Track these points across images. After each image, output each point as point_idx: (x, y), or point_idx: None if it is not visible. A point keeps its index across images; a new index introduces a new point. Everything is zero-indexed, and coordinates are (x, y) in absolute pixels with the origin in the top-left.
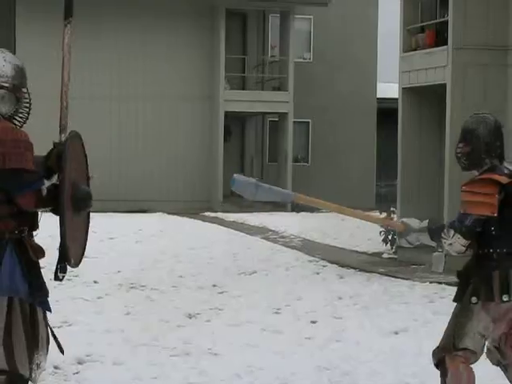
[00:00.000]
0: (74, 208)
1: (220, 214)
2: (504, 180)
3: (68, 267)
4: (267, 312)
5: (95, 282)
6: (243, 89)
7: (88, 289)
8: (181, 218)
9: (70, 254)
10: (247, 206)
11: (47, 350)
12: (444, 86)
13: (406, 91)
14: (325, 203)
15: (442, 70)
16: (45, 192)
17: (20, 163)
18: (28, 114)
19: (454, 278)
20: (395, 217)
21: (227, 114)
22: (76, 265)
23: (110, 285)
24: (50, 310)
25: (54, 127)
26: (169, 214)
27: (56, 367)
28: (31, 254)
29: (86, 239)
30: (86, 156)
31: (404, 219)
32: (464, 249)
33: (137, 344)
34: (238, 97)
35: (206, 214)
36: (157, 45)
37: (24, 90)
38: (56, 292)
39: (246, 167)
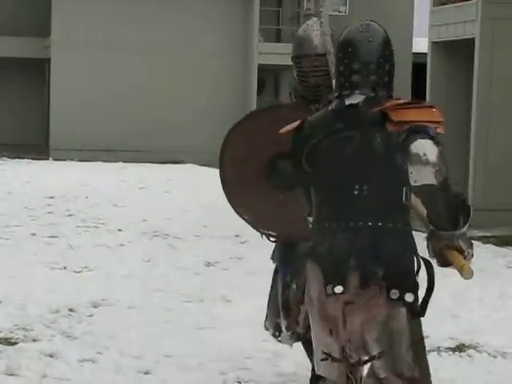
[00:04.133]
0: None
1: None
2: None
3: None
4: None
5: (119, 229)
6: (278, 41)
7: (112, 236)
8: (211, 170)
9: None
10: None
11: None
12: (473, 40)
13: (436, 45)
14: None
15: (472, 24)
16: None
17: None
18: None
19: (476, 233)
20: None
21: (261, 67)
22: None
23: (134, 233)
24: None
25: None
26: (200, 165)
27: (71, 310)
28: None
29: None
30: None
31: None
32: None
33: (153, 290)
34: (272, 49)
35: None
36: None
37: None
38: (80, 239)
39: None
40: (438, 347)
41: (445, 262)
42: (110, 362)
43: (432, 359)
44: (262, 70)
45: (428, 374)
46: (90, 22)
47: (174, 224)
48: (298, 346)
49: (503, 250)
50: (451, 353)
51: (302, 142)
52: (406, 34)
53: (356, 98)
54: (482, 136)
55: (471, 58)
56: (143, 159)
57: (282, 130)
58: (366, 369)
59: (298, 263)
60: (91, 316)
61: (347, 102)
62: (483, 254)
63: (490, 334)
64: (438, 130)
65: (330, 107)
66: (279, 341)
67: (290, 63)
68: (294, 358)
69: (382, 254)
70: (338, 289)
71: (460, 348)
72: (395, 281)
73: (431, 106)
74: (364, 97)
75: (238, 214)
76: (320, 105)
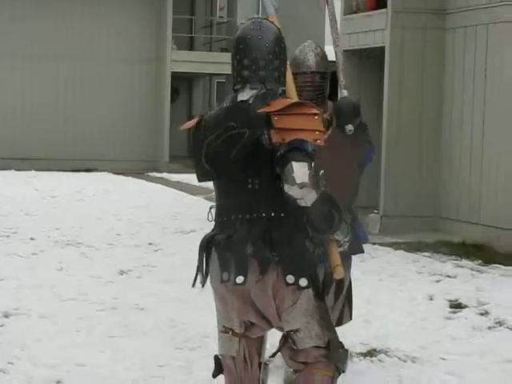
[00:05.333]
0: None
1: (165, 175)
2: None
3: None
4: None
5: (32, 238)
6: (191, 49)
7: (24, 245)
8: (125, 178)
9: None
10: (193, 167)
11: None
12: (383, 48)
13: (347, 54)
14: None
15: (381, 33)
16: None
17: None
18: None
19: (388, 239)
20: None
21: (174, 75)
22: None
23: (47, 241)
24: None
25: None
26: (114, 173)
27: None
28: None
29: None
30: None
31: None
32: None
33: (66, 299)
34: (185, 57)
35: (152, 174)
36: (101, 3)
37: None
38: None
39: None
40: (350, 353)
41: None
42: (22, 372)
43: None
44: (175, 78)
45: (337, 338)
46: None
47: (87, 232)
48: (210, 353)
49: (414, 255)
50: (363, 358)
51: (200, 139)
52: (317, 43)
53: (247, 94)
54: (392, 143)
55: (381, 65)
56: (56, 168)
57: (182, 127)
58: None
59: None
60: (2, 326)
61: (239, 98)
62: (394, 260)
63: (400, 339)
64: (318, 142)
65: (224, 104)
66: None
67: (203, 71)
68: (208, 365)
69: (275, 241)
70: (239, 279)
71: (371, 353)
72: (289, 267)
73: (315, 113)
74: (255, 91)
75: None
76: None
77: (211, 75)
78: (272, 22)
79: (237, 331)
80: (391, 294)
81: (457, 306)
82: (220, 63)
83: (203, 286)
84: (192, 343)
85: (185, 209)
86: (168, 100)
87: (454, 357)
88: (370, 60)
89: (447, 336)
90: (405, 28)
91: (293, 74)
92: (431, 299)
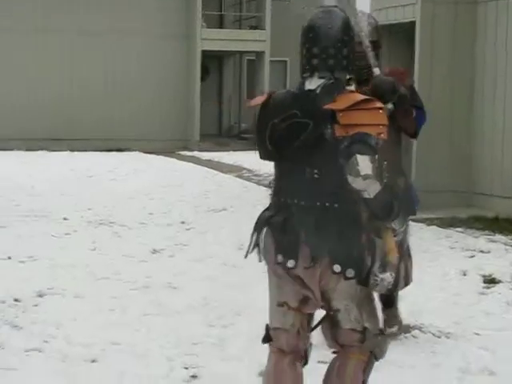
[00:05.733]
0: None
1: (196, 153)
2: None
3: None
4: (231, 248)
5: (65, 218)
6: (220, 27)
7: (57, 225)
8: (157, 157)
9: None
10: (224, 145)
11: None
12: (413, 23)
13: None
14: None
15: (412, 8)
16: None
17: None
18: None
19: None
20: None
21: (204, 53)
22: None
23: (80, 221)
24: None
25: None
26: (146, 152)
27: (16, 300)
28: None
29: None
30: None
31: None
32: None
33: (99, 278)
34: (215, 35)
35: (183, 152)
36: None
37: None
38: (26, 228)
39: (224, 106)
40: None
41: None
42: (57, 351)
43: None
44: (205, 56)
45: (377, 326)
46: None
47: (120, 212)
48: (242, 331)
49: (447, 231)
50: (397, 334)
51: (266, 119)
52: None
53: (315, 83)
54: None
55: (411, 41)
56: (90, 148)
57: (250, 103)
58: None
59: None
60: (37, 305)
61: (307, 87)
62: (427, 235)
63: (434, 315)
64: (382, 136)
65: (292, 89)
66: None
67: (233, 49)
68: (240, 342)
69: (327, 231)
70: (291, 263)
71: (405, 329)
72: (338, 256)
73: (379, 108)
74: (323, 81)
75: None
76: (368, 87)
77: (241, 53)
78: (342, 11)
79: (292, 305)
80: (423, 270)
81: (490, 281)
82: (250, 41)
83: (260, 261)
84: (224, 321)
85: (216, 187)
86: (198, 78)
87: (488, 332)
88: (399, 35)
89: (481, 311)
90: (435, 2)
91: None
92: (464, 274)
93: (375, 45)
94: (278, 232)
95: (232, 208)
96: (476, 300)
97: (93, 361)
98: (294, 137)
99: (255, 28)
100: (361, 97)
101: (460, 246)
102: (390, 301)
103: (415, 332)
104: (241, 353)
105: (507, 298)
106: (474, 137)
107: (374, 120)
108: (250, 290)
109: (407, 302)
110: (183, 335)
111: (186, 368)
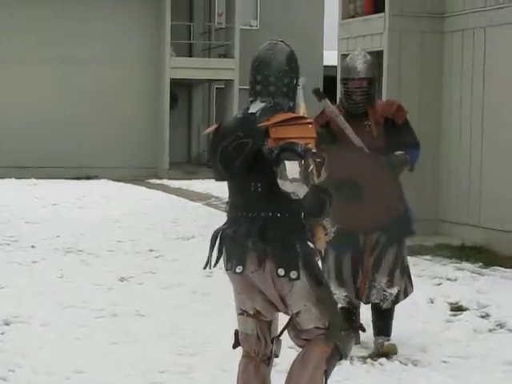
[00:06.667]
0: None
1: (165, 181)
2: None
3: None
4: (199, 275)
5: (32, 246)
6: (189, 56)
7: (24, 253)
8: (125, 185)
9: None
10: (193, 173)
11: None
12: (381, 52)
13: (345, 58)
14: None
15: (380, 37)
16: None
17: None
18: None
19: None
20: None
21: (173, 81)
22: None
23: (48, 249)
24: None
25: None
26: (114, 180)
27: None
28: None
29: None
30: None
31: None
32: None
33: (66, 306)
34: (184, 64)
35: (152, 181)
36: (100, 9)
37: None
38: None
39: (193, 134)
40: (351, 356)
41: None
42: (22, 380)
43: (344, 368)
44: (175, 84)
45: (339, 322)
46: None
47: (88, 240)
48: (210, 359)
49: (414, 259)
50: (363, 362)
51: (216, 144)
52: (316, 47)
53: (257, 106)
54: None
55: (380, 69)
56: (56, 175)
57: (205, 131)
58: (277, 325)
59: (348, 238)
60: (3, 334)
61: (250, 110)
62: None
63: (402, 343)
64: (309, 146)
65: (239, 114)
66: None
67: (202, 77)
68: (208, 370)
69: (270, 238)
70: (239, 268)
71: (372, 357)
72: (280, 261)
73: (309, 123)
74: (263, 105)
75: None
76: (368, 120)
77: (210, 81)
78: (287, 45)
79: (250, 312)
80: None
81: (457, 308)
82: (219, 69)
83: (209, 268)
84: (192, 349)
85: (185, 215)
86: (167, 107)
87: (455, 360)
88: None
89: (448, 339)
90: (402, 31)
91: (343, 79)
92: (432, 302)
93: (370, 81)
94: (228, 242)
95: (201, 236)
96: (443, 328)
97: None
98: (238, 156)
99: (224, 56)
100: (292, 115)
101: (427, 273)
102: (384, 324)
103: (382, 360)
104: (209, 380)
105: (474, 326)
106: (440, 166)
107: (303, 133)
108: (218, 317)
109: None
110: (150, 363)
111: None
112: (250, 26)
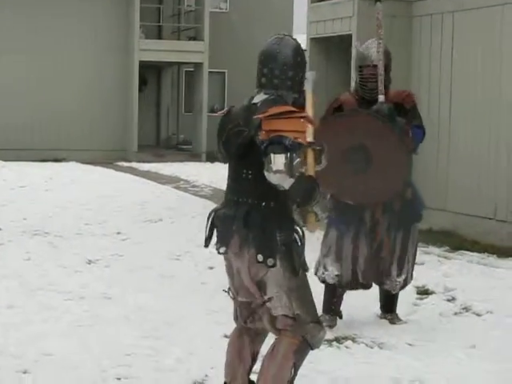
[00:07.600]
0: None
1: (134, 164)
2: None
3: None
4: (167, 258)
5: None
6: (159, 38)
7: None
8: (93, 167)
9: None
10: (162, 156)
11: None
12: (350, 36)
13: (314, 41)
14: None
15: (349, 21)
16: None
17: None
18: None
19: None
20: None
21: (142, 64)
22: None
23: (14, 232)
24: None
25: None
26: (82, 163)
27: None
28: None
29: None
30: None
31: None
32: None
33: (33, 288)
34: (153, 46)
35: (120, 163)
36: None
37: None
38: None
39: (162, 117)
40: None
41: (304, 221)
42: None
43: (311, 352)
44: (144, 67)
45: (309, 314)
46: None
47: (55, 222)
48: (176, 342)
49: None
50: (329, 345)
51: (224, 127)
52: (286, 31)
53: (260, 98)
54: None
55: (348, 53)
56: (24, 158)
57: (218, 113)
58: (258, 308)
59: (350, 214)
60: None
61: (253, 101)
62: None
63: (368, 326)
64: (299, 140)
65: (245, 103)
66: (322, 279)
67: (171, 60)
68: (174, 353)
69: (252, 224)
70: (222, 249)
71: (338, 340)
72: (259, 247)
73: (301, 117)
74: (266, 96)
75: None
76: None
77: (179, 64)
78: (294, 39)
79: (231, 295)
80: None
81: (424, 292)
82: (188, 52)
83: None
84: (159, 332)
85: (153, 198)
86: (136, 89)
87: (421, 343)
88: (337, 47)
89: (414, 322)
90: (371, 16)
91: (358, 66)
92: None
93: (384, 68)
94: (219, 223)
95: (169, 219)
96: (410, 311)
97: (25, 372)
98: (235, 142)
99: (194, 39)
100: (287, 108)
101: None
102: (390, 304)
103: (348, 343)
104: (175, 363)
105: (440, 309)
106: None
107: (293, 127)
108: (184, 300)
109: (343, 313)
110: (117, 346)
111: (119, 379)
112: (220, 8)
